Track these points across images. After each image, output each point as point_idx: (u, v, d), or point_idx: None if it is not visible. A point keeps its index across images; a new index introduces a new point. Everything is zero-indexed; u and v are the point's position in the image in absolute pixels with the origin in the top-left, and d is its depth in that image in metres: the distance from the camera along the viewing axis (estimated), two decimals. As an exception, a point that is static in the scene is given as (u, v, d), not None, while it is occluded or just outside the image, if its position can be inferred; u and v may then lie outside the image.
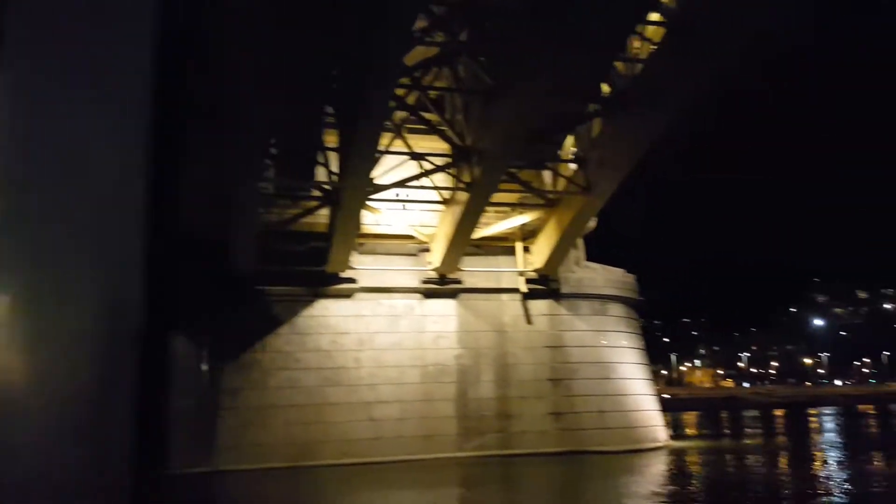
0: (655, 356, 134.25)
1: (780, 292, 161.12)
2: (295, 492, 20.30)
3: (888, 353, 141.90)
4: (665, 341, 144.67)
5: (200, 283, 23.64)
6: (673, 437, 36.45)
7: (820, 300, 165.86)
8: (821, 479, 20.77)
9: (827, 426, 48.71)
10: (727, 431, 45.68)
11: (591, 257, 30.06)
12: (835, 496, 17.42)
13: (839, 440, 35.64)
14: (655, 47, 18.85)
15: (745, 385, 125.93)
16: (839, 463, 25.12)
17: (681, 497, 17.81)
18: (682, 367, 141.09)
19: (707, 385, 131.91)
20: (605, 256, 30.74)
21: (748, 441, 36.09)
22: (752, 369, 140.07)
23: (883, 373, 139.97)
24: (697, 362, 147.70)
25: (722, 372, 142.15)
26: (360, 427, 24.39)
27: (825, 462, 25.58)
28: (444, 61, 22.47)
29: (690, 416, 67.30)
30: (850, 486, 18.87)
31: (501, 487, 21.32)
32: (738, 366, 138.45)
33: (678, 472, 23.00)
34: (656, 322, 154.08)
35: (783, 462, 26.39)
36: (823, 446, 32.06)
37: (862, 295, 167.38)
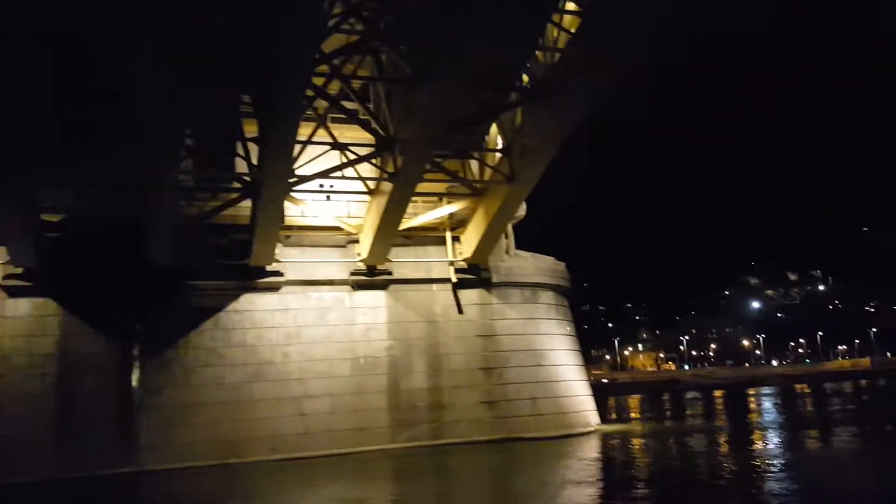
0: (600, 341, 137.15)
1: (718, 276, 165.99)
2: (221, 490, 19.82)
3: (822, 334, 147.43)
4: (610, 327, 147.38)
5: (118, 280, 22.91)
6: (615, 421, 37.18)
7: (753, 283, 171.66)
8: (739, 459, 21.37)
9: (765, 406, 50.09)
10: (668, 413, 46.71)
11: (533, 246, 30.25)
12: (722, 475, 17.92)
13: (774, 420, 36.46)
14: (572, 36, 18.91)
15: (686, 368, 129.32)
16: (762, 443, 25.77)
17: (605, 481, 18.08)
18: (625, 352, 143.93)
19: (650, 368, 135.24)
20: (544, 246, 31.04)
21: (687, 423, 36.85)
22: (692, 352, 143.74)
23: (817, 353, 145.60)
24: (641, 346, 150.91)
25: (664, 355, 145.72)
26: (290, 422, 24.02)
27: (753, 442, 26.23)
28: (365, 49, 22.18)
29: (634, 399, 68.80)
30: (761, 466, 19.41)
31: (433, 478, 21.21)
32: (679, 349, 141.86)
33: (604, 457, 23.32)
34: (601, 308, 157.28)
35: (709, 443, 26.93)
36: (754, 426, 32.89)
37: (793, 277, 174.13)
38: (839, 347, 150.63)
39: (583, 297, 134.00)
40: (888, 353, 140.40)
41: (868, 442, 25.66)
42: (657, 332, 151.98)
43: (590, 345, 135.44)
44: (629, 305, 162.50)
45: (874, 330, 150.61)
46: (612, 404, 57.96)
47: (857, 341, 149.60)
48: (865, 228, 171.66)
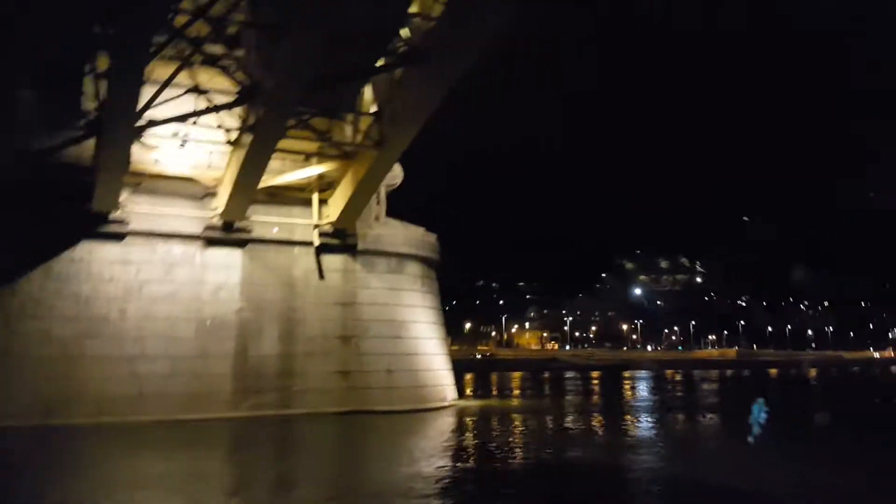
0: (490, 317, 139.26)
1: (601, 260, 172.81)
2: (24, 454, 18.05)
3: (694, 323, 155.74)
4: (501, 304, 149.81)
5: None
6: (480, 396, 37.22)
7: (629, 267, 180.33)
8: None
9: (637, 388, 51.59)
10: (532, 392, 47.40)
11: (422, 219, 29.70)
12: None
13: (638, 403, 37.31)
14: (445, 6, 18.17)
15: (567, 348, 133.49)
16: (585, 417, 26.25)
17: (434, 457, 17.73)
18: (512, 329, 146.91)
19: (534, 347, 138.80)
20: (436, 218, 30.58)
21: (543, 402, 37.34)
22: (575, 333, 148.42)
23: (689, 341, 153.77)
24: (528, 325, 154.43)
25: (548, 335, 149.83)
26: (122, 384, 22.49)
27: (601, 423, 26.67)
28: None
29: (515, 376, 69.91)
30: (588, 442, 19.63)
31: (264, 451, 20.16)
32: (563, 329, 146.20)
33: (447, 435, 23.02)
34: (494, 284, 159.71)
35: (553, 423, 27.08)
36: (613, 407, 33.59)
37: (664, 265, 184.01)
38: (709, 337, 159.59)
39: (475, 273, 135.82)
40: (754, 346, 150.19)
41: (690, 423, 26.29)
42: (545, 311, 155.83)
43: (480, 320, 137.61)
44: (521, 283, 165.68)
45: (742, 323, 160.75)
46: (494, 380, 58.77)
47: (725, 332, 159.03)
48: (746, 218, 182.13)
